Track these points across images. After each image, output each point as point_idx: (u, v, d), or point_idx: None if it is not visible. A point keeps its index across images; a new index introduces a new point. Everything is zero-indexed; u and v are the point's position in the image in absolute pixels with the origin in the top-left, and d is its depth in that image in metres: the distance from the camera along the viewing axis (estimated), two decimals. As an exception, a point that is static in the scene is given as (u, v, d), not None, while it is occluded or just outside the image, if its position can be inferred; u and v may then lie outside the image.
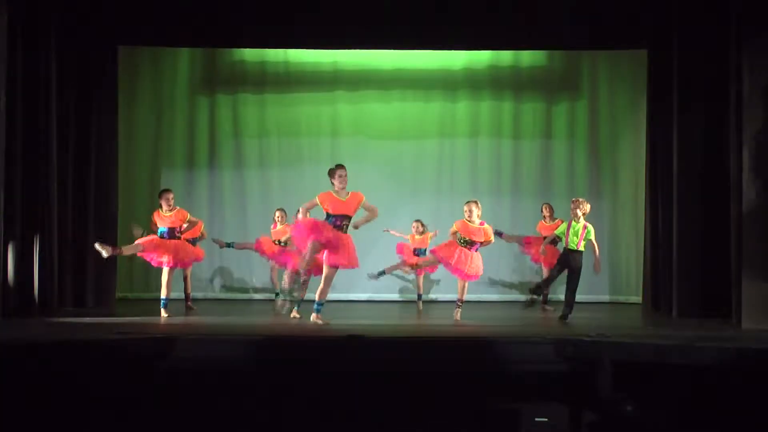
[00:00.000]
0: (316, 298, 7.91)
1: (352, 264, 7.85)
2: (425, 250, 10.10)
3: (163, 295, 8.86)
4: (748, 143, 8.03)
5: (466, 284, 8.73)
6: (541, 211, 10.38)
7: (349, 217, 7.85)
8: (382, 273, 9.77)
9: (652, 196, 9.98)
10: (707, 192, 9.11)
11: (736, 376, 6.06)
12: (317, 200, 7.83)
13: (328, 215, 7.81)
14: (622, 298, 11.70)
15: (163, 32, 10.19)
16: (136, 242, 8.94)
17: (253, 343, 6.73)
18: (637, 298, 11.07)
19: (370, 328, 7.82)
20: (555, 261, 9.18)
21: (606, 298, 11.56)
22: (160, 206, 9.00)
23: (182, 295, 9.92)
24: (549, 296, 10.54)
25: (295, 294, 8.02)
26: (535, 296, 8.80)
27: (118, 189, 10.47)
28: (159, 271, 9.21)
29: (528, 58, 11.80)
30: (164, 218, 8.94)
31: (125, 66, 10.84)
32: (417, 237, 10.16)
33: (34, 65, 8.76)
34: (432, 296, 11.42)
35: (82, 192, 9.64)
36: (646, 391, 6.32)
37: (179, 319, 8.72)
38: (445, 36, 10.10)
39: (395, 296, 11.63)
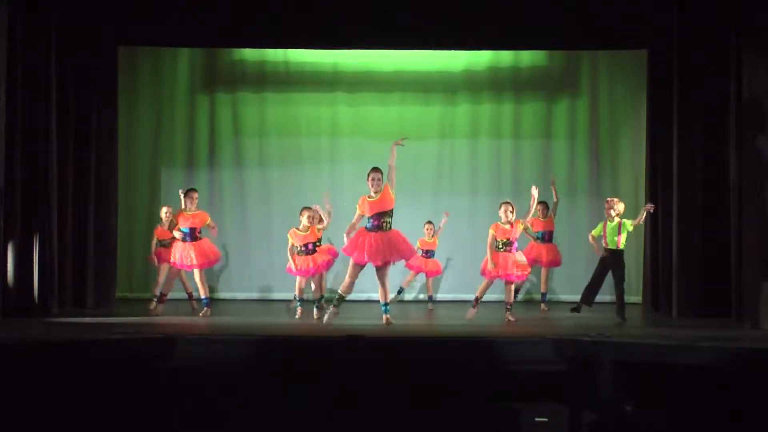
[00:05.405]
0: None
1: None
2: (434, 252, 10.24)
3: (203, 294, 9.09)
4: (747, 142, 8.04)
5: (512, 286, 8.95)
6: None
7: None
8: (401, 290, 10.57)
9: (652, 195, 9.97)
10: (707, 192, 9.12)
11: (736, 376, 6.06)
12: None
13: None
14: (622, 298, 11.66)
15: (163, 32, 10.20)
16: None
17: (253, 343, 6.73)
18: (637, 298, 11.04)
19: (370, 328, 7.82)
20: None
21: (606, 298, 11.50)
22: (184, 206, 9.04)
23: (184, 295, 10.00)
24: (548, 296, 10.54)
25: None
26: (583, 304, 8.98)
27: (118, 189, 10.47)
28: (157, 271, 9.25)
29: (528, 58, 11.78)
30: (187, 218, 8.99)
31: (125, 66, 10.83)
32: (428, 240, 10.25)
33: (34, 65, 8.74)
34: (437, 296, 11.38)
35: (82, 192, 9.63)
36: (646, 391, 6.32)
37: (179, 319, 8.72)
38: (444, 36, 10.11)
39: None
